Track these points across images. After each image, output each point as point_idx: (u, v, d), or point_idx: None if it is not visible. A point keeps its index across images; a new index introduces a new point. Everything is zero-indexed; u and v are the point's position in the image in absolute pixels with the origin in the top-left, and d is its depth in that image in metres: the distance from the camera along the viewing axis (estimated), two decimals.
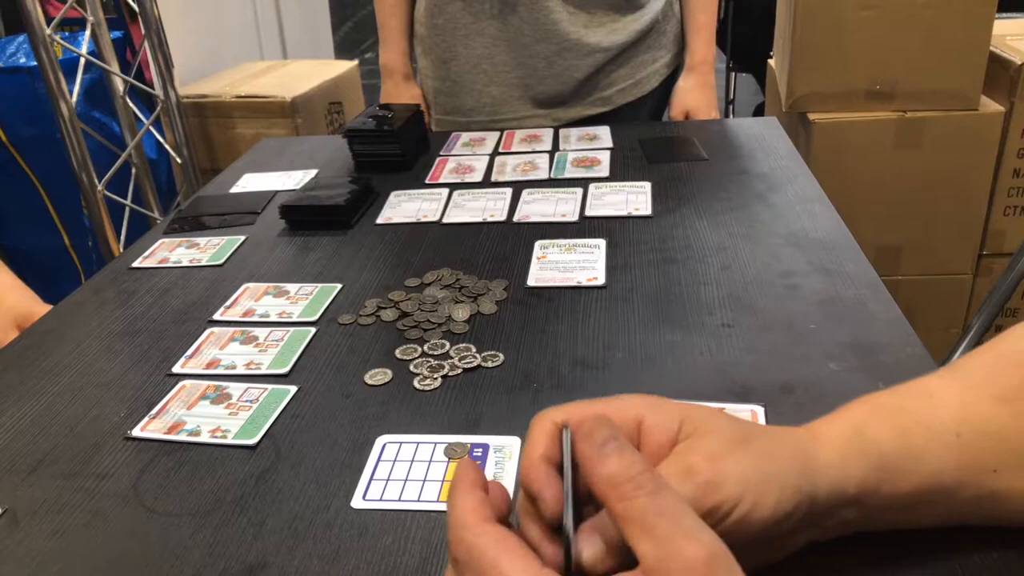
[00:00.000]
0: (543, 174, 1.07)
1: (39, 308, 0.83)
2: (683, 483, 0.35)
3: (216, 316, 0.77)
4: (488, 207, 0.98)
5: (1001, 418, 0.39)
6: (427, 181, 1.08)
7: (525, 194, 1.00)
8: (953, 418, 0.40)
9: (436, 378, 0.64)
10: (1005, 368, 0.41)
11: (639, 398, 0.39)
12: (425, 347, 0.69)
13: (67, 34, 2.16)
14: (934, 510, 0.40)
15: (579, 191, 0.99)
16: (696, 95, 1.32)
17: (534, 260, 0.83)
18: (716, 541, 0.30)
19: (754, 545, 0.37)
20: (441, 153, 1.18)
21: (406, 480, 0.54)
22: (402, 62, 1.36)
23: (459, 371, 0.65)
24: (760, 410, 0.57)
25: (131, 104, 2.15)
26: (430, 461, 0.55)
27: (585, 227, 0.90)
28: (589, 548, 0.33)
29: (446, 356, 0.67)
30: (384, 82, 1.39)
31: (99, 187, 1.98)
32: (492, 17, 1.24)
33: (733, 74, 3.09)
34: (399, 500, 0.52)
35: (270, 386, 0.65)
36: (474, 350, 0.68)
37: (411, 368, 0.66)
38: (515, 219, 0.94)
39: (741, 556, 0.35)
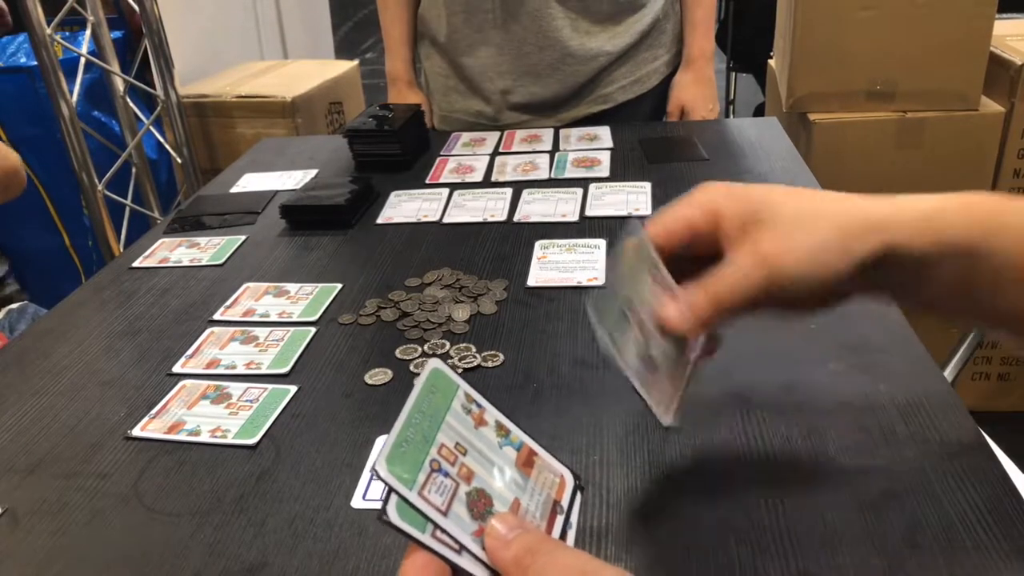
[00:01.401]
0: (543, 174, 1.07)
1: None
2: (756, 269, 0.43)
3: (216, 316, 0.78)
4: (488, 207, 0.98)
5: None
6: (427, 181, 1.08)
7: (525, 194, 1.00)
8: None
9: None
10: None
11: (719, 190, 0.48)
12: (425, 347, 0.69)
13: (67, 34, 2.16)
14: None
15: (579, 191, 0.99)
16: (692, 90, 1.32)
17: (534, 260, 0.83)
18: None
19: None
20: (441, 153, 1.18)
21: None
22: (404, 69, 1.38)
23: (459, 371, 0.65)
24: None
25: (131, 104, 2.15)
26: None
27: (585, 227, 0.90)
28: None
29: (446, 356, 0.67)
30: (389, 89, 1.41)
31: (99, 187, 1.98)
32: (495, 27, 1.24)
33: (733, 74, 3.09)
34: None
35: (270, 386, 0.65)
36: (474, 350, 0.68)
37: (411, 368, 0.66)
38: (515, 219, 0.94)
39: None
